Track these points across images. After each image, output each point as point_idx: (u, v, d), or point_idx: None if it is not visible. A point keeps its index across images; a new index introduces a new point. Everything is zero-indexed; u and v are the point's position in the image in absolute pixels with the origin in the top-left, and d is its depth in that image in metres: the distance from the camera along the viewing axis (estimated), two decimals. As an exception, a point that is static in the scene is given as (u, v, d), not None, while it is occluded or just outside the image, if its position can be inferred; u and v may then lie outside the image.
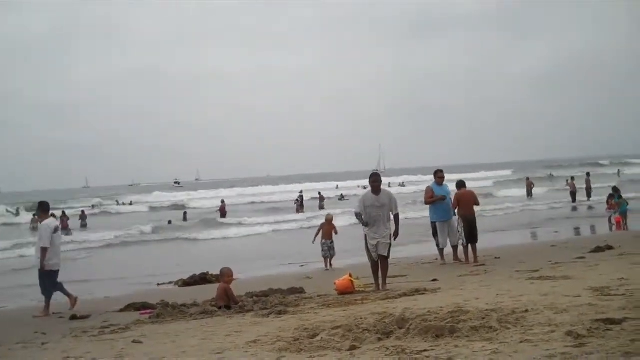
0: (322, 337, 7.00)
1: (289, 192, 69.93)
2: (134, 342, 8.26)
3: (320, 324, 7.83)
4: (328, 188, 71.62)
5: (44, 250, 12.35)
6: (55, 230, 12.70)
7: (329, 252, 16.83)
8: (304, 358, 6.26)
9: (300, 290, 12.20)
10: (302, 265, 17.72)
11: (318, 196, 51.62)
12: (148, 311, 11.23)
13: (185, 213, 45.99)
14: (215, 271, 15.53)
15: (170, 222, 39.57)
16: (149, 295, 13.03)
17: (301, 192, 55.79)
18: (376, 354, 6.06)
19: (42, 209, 13.20)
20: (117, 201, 69.78)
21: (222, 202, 47.08)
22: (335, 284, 11.72)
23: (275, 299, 11.09)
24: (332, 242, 16.93)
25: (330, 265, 16.78)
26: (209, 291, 12.63)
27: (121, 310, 11.79)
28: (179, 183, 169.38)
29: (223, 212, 44.57)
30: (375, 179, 12.07)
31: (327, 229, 17.15)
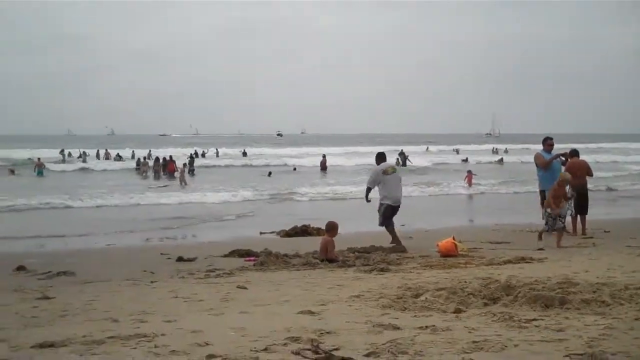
0: (426, 298, 6.96)
1: (388, 151, 69.11)
2: (238, 287, 8.47)
3: (424, 284, 7.78)
4: (416, 152, 70.02)
5: None
6: None
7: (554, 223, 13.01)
8: (408, 316, 6.23)
9: (402, 250, 12.17)
10: (402, 225, 17.60)
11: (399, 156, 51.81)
12: (252, 258, 11.48)
13: (270, 172, 44.67)
14: (315, 224, 15.73)
15: (269, 173, 40.68)
16: (251, 243, 13.28)
17: (401, 151, 55.74)
18: (483, 319, 5.96)
19: None
20: (216, 151, 71.09)
21: (323, 156, 47.85)
22: (437, 245, 11.59)
23: (377, 256, 11.11)
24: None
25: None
26: (309, 243, 12.78)
27: (225, 256, 12.07)
28: (281, 135, 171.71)
29: (323, 166, 45.66)
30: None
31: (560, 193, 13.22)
